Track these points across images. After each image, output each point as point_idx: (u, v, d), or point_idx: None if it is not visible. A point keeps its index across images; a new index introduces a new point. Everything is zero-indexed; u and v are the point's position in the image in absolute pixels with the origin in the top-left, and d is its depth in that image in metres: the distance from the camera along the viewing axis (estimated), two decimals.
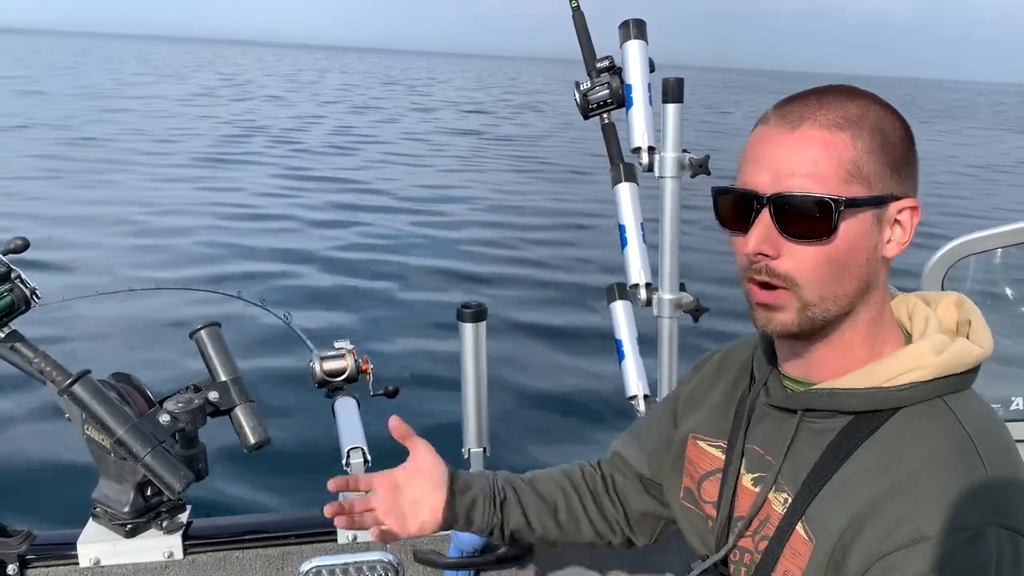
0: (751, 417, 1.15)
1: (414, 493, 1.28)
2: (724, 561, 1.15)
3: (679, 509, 1.26)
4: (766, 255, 0.98)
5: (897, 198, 0.98)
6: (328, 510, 1.23)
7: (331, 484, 1.25)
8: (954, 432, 0.95)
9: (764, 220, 0.97)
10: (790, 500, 1.04)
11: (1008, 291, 1.99)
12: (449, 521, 1.28)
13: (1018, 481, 0.93)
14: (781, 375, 1.12)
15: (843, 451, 1.00)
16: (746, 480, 1.13)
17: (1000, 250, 1.78)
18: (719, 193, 1.04)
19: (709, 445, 1.21)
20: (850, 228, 0.96)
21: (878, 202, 0.96)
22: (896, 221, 0.99)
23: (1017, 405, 1.99)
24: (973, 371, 1.01)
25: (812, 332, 1.01)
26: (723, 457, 1.18)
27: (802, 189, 0.94)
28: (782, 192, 0.95)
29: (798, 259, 0.97)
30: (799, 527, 1.01)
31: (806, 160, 0.95)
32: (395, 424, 1.28)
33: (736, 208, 1.00)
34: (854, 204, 0.95)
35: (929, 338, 1.01)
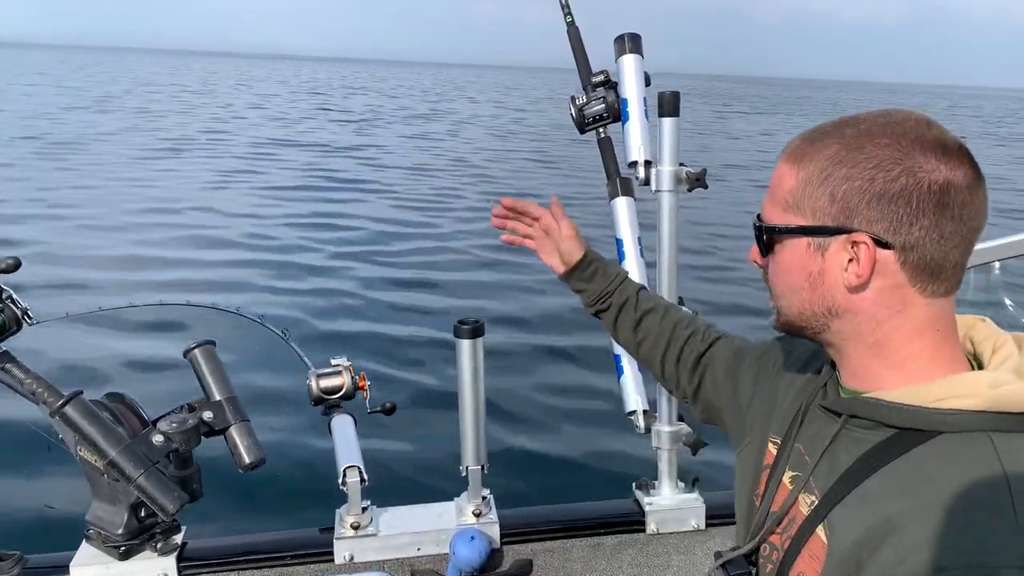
0: (805, 416, 1.16)
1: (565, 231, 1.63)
2: (753, 555, 1.16)
3: (746, 504, 1.26)
4: (757, 263, 1.12)
5: (846, 231, 0.99)
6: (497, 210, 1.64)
7: (503, 201, 1.64)
8: (990, 468, 0.92)
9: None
10: (816, 502, 1.04)
11: (1007, 302, 1.98)
12: (577, 267, 1.62)
13: None
14: (839, 381, 1.13)
15: (875, 463, 0.99)
16: (786, 478, 1.15)
17: (998, 263, 1.77)
18: None
19: (771, 442, 1.23)
20: (784, 251, 1.06)
21: (814, 232, 1.01)
22: (849, 254, 1.00)
23: None
24: None
25: (798, 336, 1.12)
26: (776, 454, 1.19)
27: (762, 213, 1.08)
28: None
29: (769, 271, 1.11)
30: (819, 531, 1.02)
31: (770, 188, 1.07)
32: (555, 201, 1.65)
33: None
34: (785, 231, 1.04)
35: (992, 372, 0.99)
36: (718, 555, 1.20)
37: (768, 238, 1.06)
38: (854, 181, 0.97)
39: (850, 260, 0.99)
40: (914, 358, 1.02)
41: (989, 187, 0.99)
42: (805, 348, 1.28)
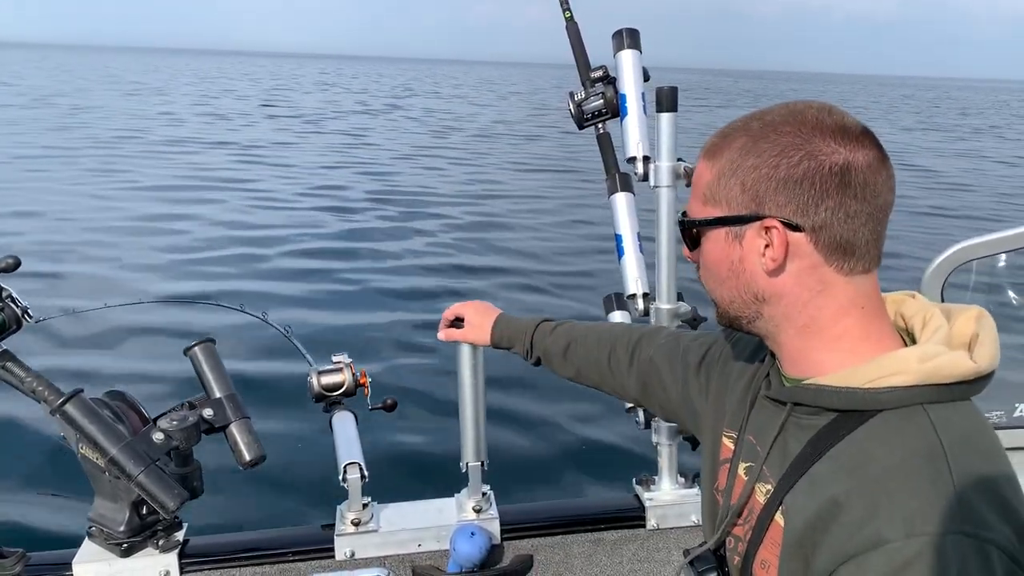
0: (752, 408, 1.19)
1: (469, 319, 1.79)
2: (720, 549, 1.20)
3: (708, 499, 1.29)
4: (692, 260, 1.15)
5: (758, 218, 1.02)
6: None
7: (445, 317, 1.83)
8: (926, 439, 0.95)
9: None
10: (771, 491, 1.08)
11: (1012, 295, 1.98)
12: (493, 339, 1.75)
13: (991, 491, 0.93)
14: (780, 371, 1.15)
15: (822, 447, 1.02)
16: (741, 470, 1.18)
17: (1004, 255, 1.77)
18: None
19: (727, 436, 1.25)
20: (708, 242, 1.09)
21: (729, 221, 1.05)
22: (764, 239, 1.03)
23: (1020, 411, 1.98)
24: (968, 384, 1.00)
25: (739, 329, 1.14)
26: (733, 448, 1.22)
27: (687, 211, 1.12)
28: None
29: (699, 266, 1.14)
30: (777, 517, 1.05)
31: (693, 184, 1.11)
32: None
33: None
34: (704, 223, 1.08)
35: (922, 346, 1.02)
36: (687, 552, 1.23)
37: (694, 232, 1.10)
38: (760, 169, 1.01)
39: (766, 245, 1.03)
40: (844, 337, 1.05)
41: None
42: (749, 340, 1.31)
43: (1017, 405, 1.98)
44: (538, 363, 1.71)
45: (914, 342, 1.07)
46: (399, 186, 15.74)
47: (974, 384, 1.01)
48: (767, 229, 1.02)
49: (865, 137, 1.00)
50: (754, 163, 1.02)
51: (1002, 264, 1.89)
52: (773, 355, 1.17)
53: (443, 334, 1.82)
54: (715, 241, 1.08)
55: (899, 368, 0.99)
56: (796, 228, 1.00)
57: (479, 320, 1.77)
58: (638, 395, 1.56)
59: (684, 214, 1.12)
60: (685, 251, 1.15)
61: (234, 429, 1.83)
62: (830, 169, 0.98)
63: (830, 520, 0.95)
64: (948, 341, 1.03)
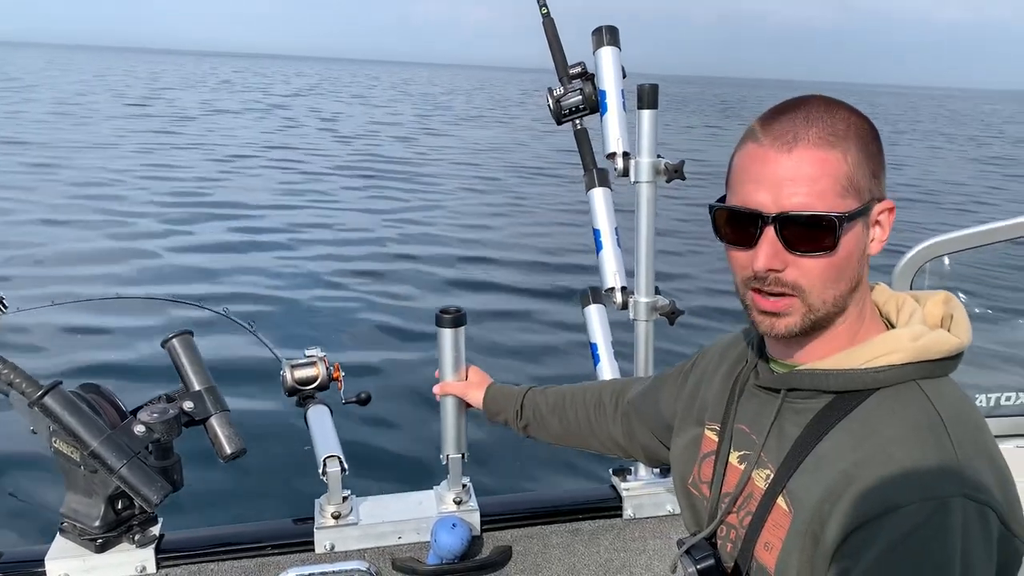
0: (740, 398, 1.22)
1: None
2: (712, 538, 1.22)
3: (684, 494, 1.32)
4: (775, 270, 1.04)
5: (879, 201, 1.06)
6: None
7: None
8: (925, 412, 1.01)
9: (770, 238, 1.03)
10: (772, 475, 1.10)
11: (975, 289, 2.05)
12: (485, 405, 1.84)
13: (986, 459, 0.99)
14: (769, 359, 1.19)
15: (822, 428, 1.06)
16: (733, 458, 1.20)
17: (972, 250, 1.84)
18: (718, 210, 1.09)
19: (709, 430, 1.28)
20: (849, 238, 1.03)
21: (867, 210, 1.05)
22: (877, 222, 1.07)
23: (980, 402, 2.06)
24: (951, 360, 1.07)
25: (812, 332, 1.08)
26: (717, 440, 1.24)
27: (803, 207, 1.01)
28: (787, 211, 1.01)
29: (803, 269, 1.04)
30: (780, 500, 1.08)
31: (805, 179, 1.01)
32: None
33: (737, 225, 1.06)
34: (852, 217, 1.03)
35: (909, 327, 1.08)
36: (680, 543, 1.25)
37: (840, 230, 1.01)
38: (877, 156, 1.05)
39: (874, 227, 1.07)
40: (858, 319, 1.10)
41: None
42: (717, 345, 1.36)
43: (976, 396, 2.06)
44: (526, 428, 1.79)
45: (893, 326, 1.13)
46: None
47: (956, 359, 1.08)
48: (887, 211, 1.07)
49: None
50: (873, 149, 1.05)
51: (966, 260, 1.96)
52: (760, 347, 1.21)
53: (440, 390, 1.90)
54: (855, 234, 1.04)
55: (893, 347, 1.05)
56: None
57: (477, 379, 1.87)
58: (624, 440, 1.61)
59: (818, 213, 1.00)
60: (772, 260, 1.03)
61: (214, 422, 1.81)
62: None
63: (841, 492, 0.99)
64: (923, 323, 1.09)
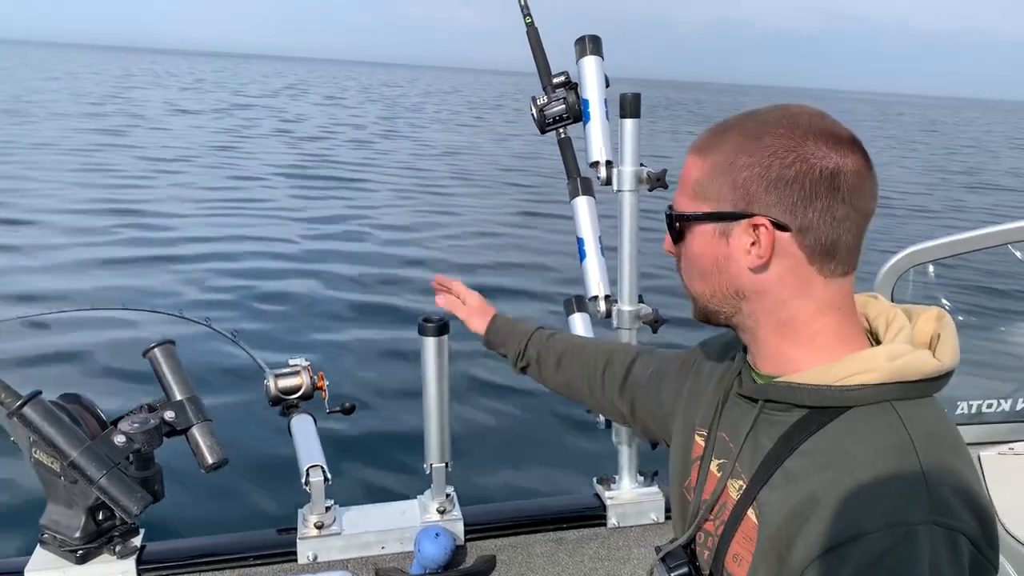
0: (724, 405, 1.22)
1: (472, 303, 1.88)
2: (691, 545, 1.21)
3: (678, 497, 1.31)
4: (672, 253, 1.17)
5: (747, 216, 1.05)
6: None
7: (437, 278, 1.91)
8: (897, 434, 0.99)
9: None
10: (744, 487, 1.10)
11: (958, 297, 2.07)
12: (488, 333, 1.83)
13: (958, 484, 0.96)
14: (751, 368, 1.18)
15: (793, 442, 1.05)
16: (713, 466, 1.20)
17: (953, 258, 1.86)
18: None
19: (699, 435, 1.27)
20: (693, 237, 1.11)
21: (718, 217, 1.08)
22: (751, 237, 1.06)
23: (961, 409, 2.07)
24: (931, 382, 1.05)
25: (715, 323, 1.16)
26: (704, 445, 1.24)
27: (673, 204, 1.14)
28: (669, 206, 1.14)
29: (680, 259, 1.16)
30: (750, 512, 1.07)
31: (681, 178, 1.13)
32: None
33: None
34: (692, 218, 1.10)
35: (889, 345, 1.06)
36: (658, 549, 1.24)
37: (680, 226, 1.12)
38: (753, 168, 1.04)
39: (752, 243, 1.06)
40: (820, 336, 1.09)
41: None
42: (719, 343, 1.35)
43: (958, 403, 2.07)
44: (524, 370, 1.74)
45: (879, 342, 1.11)
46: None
47: (937, 381, 1.05)
48: (755, 227, 1.05)
49: (854, 145, 1.04)
50: (747, 162, 1.04)
51: (949, 268, 1.98)
52: (745, 353, 1.21)
53: (443, 299, 1.88)
54: (701, 236, 1.10)
55: (868, 366, 1.03)
56: (783, 228, 1.03)
57: (480, 307, 1.84)
58: (627, 412, 1.59)
59: (671, 207, 1.13)
60: (667, 244, 1.17)
61: (196, 432, 1.80)
62: (820, 173, 1.01)
63: (808, 514, 0.98)
64: (911, 340, 1.08)
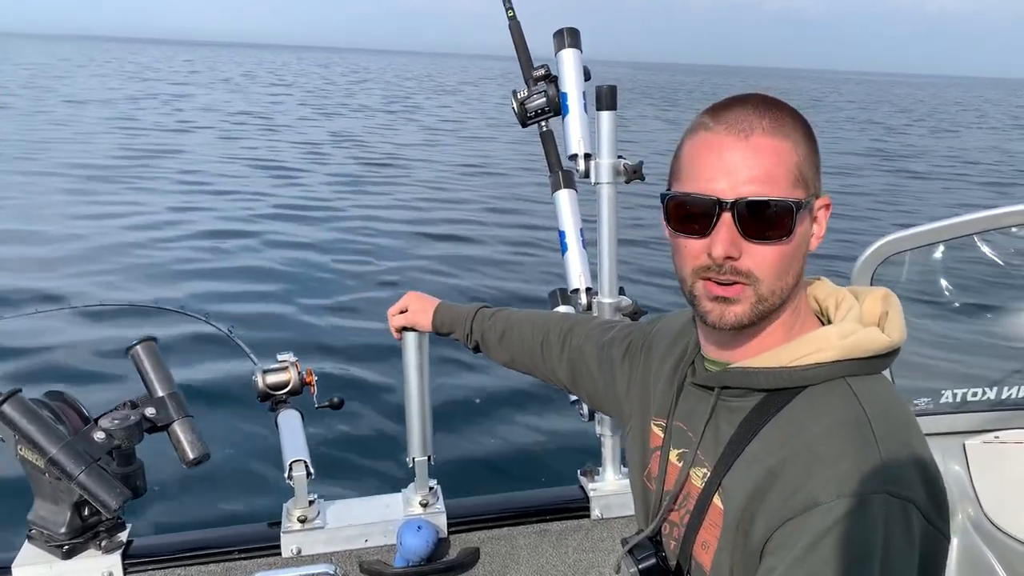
0: (679, 396, 1.22)
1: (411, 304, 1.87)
2: (657, 536, 1.22)
3: (639, 487, 1.31)
4: (731, 258, 1.03)
5: (819, 196, 1.08)
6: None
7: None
8: (851, 409, 1.02)
9: (727, 224, 1.02)
10: (708, 474, 1.11)
11: (944, 285, 2.05)
12: (434, 323, 1.82)
13: (910, 456, 0.99)
14: (703, 357, 1.19)
15: (754, 426, 1.07)
16: (673, 456, 1.21)
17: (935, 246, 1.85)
18: (671, 199, 1.08)
19: (655, 424, 1.28)
20: (800, 228, 1.04)
21: (811, 203, 1.06)
22: (815, 218, 1.08)
23: (946, 398, 2.06)
24: (882, 358, 1.08)
25: (754, 326, 1.07)
26: (663, 435, 1.25)
27: (761, 194, 1.00)
28: (745, 197, 1.01)
29: (758, 258, 1.03)
30: (716, 499, 1.09)
31: (761, 166, 1.01)
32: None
33: (692, 214, 1.05)
34: (803, 206, 1.03)
35: (839, 324, 1.08)
36: (625, 541, 1.25)
37: (795, 217, 1.02)
38: (816, 153, 1.06)
39: (814, 223, 1.08)
40: (793, 315, 1.11)
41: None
42: (668, 329, 1.35)
43: (943, 392, 2.06)
44: (476, 349, 1.75)
45: (829, 322, 1.13)
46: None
47: (887, 357, 1.08)
48: (824, 207, 1.08)
49: None
50: (814, 146, 1.06)
51: (933, 256, 1.97)
52: (697, 343, 1.21)
53: (394, 327, 1.89)
54: (805, 224, 1.05)
55: (821, 345, 1.05)
56: None
57: (421, 306, 1.83)
58: (568, 382, 1.60)
59: (775, 199, 1.00)
60: (729, 247, 1.02)
61: (177, 428, 1.82)
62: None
63: (767, 489, 1.00)
64: (860, 319, 1.10)
